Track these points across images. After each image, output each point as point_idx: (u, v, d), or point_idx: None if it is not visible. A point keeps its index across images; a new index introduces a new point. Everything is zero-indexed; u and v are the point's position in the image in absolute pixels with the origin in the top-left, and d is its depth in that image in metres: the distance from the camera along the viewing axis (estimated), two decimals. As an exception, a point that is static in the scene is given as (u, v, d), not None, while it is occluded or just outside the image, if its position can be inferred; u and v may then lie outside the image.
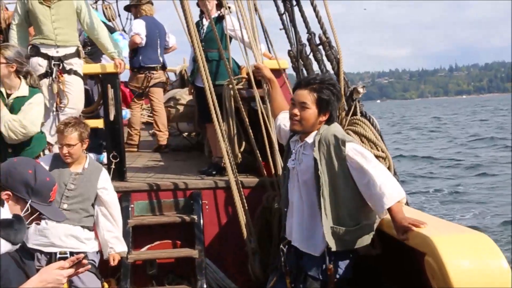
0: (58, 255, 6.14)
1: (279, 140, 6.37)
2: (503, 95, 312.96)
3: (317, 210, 5.20)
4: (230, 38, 8.72)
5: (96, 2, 13.51)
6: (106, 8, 14.74)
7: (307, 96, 5.24)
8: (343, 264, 5.22)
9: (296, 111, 5.28)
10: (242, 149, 8.58)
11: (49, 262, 5.98)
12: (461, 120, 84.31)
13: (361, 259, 5.49)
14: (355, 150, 5.16)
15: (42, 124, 7.59)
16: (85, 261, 4.01)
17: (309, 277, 5.26)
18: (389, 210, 4.94)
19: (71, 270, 3.87)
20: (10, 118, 6.81)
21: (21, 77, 7.18)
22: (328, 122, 5.34)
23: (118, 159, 8.46)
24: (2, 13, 10.24)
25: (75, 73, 8.28)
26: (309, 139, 5.31)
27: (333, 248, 5.11)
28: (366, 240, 5.26)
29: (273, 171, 7.68)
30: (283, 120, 5.89)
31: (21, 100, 7.16)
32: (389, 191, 4.96)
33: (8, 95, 7.16)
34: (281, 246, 5.65)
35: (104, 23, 10.36)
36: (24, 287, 3.61)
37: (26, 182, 3.79)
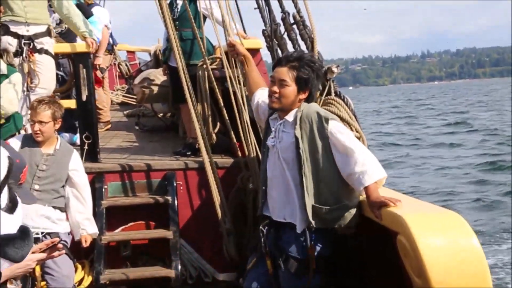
0: (37, 235, 6.07)
1: (256, 118, 6.29)
2: (474, 80, 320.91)
3: (299, 188, 5.14)
4: (204, 17, 8.67)
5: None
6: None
7: (287, 74, 5.20)
8: (322, 243, 5.16)
9: (275, 88, 5.24)
10: (216, 130, 8.57)
11: None
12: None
13: (343, 242, 5.46)
14: (338, 128, 5.13)
15: None
16: (59, 245, 3.92)
17: (290, 257, 5.19)
18: (365, 188, 4.92)
19: (43, 255, 3.82)
20: None
21: None
22: (308, 100, 5.32)
23: (91, 140, 8.34)
24: None
25: (46, 52, 8.15)
26: (289, 117, 5.25)
27: (314, 226, 5.05)
28: (347, 219, 5.16)
29: (247, 152, 7.63)
30: (261, 96, 5.84)
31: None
32: (371, 169, 4.96)
33: None
34: (261, 227, 5.55)
35: (80, 5, 10.30)
36: None
37: None
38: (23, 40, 7.94)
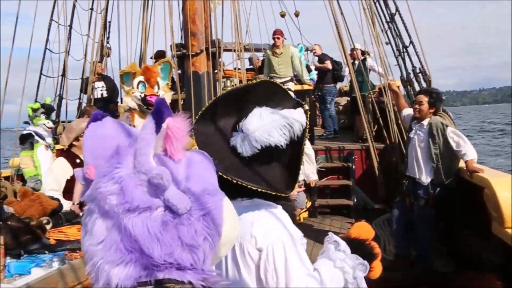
0: None
1: (403, 122, 6.17)
2: None
3: (428, 160, 5.08)
4: (369, 70, 8.71)
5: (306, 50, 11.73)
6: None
7: (423, 98, 5.19)
8: (438, 191, 5.09)
9: (417, 106, 5.23)
10: (375, 129, 8.50)
11: None
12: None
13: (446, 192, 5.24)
14: (453, 131, 5.04)
15: None
16: (301, 184, 4.20)
17: (419, 197, 5.15)
18: (466, 162, 4.84)
19: (298, 189, 4.09)
20: None
21: None
22: (434, 113, 5.23)
23: (311, 134, 8.57)
24: (255, 61, 10.64)
25: (289, 90, 8.40)
26: (424, 122, 5.18)
27: (435, 181, 5.01)
28: (452, 179, 5.09)
29: (392, 140, 7.54)
30: (405, 112, 5.78)
31: None
32: (469, 153, 4.85)
33: None
34: (404, 181, 5.52)
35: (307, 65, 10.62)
36: None
37: None
38: None
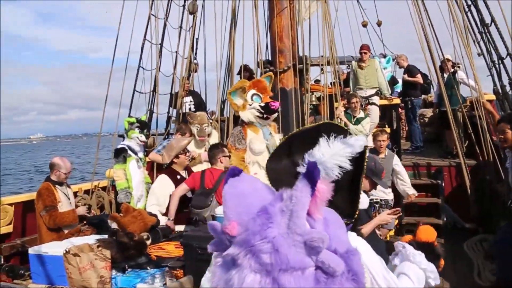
0: (377, 200, 6.04)
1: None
2: None
3: None
4: (460, 83, 8.36)
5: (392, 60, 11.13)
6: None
7: (505, 126, 4.93)
8: None
9: (500, 136, 4.99)
10: (465, 144, 8.14)
11: (380, 206, 6.06)
12: None
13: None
14: None
15: None
16: (399, 210, 4.00)
17: None
18: None
19: (393, 216, 3.87)
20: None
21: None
22: None
23: (397, 149, 8.29)
24: (339, 75, 10.43)
25: (374, 104, 8.22)
26: None
27: None
28: None
29: (485, 158, 7.15)
30: None
31: (360, 119, 7.45)
32: None
33: (354, 117, 7.45)
34: (509, 204, 5.14)
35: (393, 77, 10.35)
36: (371, 222, 3.65)
37: (371, 169, 3.66)
38: (363, 98, 8.09)
